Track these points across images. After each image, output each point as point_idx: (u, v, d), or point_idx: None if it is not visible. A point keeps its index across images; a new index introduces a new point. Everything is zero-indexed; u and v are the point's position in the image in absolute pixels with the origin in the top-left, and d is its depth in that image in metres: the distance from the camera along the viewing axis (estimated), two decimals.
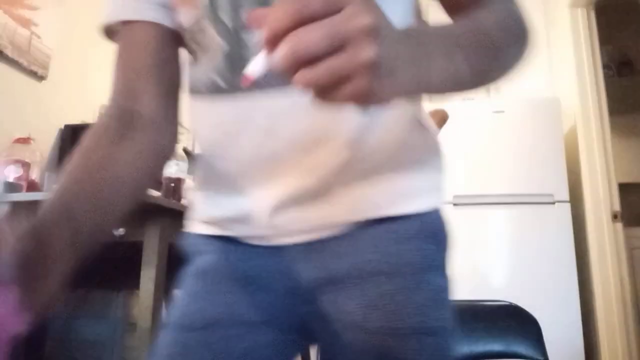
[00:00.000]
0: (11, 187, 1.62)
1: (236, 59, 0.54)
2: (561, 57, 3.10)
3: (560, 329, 2.55)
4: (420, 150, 0.61)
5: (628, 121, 3.81)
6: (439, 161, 0.64)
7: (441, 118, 2.35)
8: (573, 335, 2.53)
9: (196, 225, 0.65)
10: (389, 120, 0.58)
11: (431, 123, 0.66)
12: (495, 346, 0.84)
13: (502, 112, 2.89)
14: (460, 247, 3.03)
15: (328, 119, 0.54)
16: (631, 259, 3.24)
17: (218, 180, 0.61)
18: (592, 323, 2.66)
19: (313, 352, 2.47)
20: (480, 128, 2.89)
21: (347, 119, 0.55)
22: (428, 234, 0.59)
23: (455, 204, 2.83)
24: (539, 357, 0.82)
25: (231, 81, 0.55)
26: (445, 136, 2.96)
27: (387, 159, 0.58)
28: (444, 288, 0.58)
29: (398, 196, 0.58)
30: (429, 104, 2.38)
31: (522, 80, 3.31)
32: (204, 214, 0.64)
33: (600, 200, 2.67)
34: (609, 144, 2.75)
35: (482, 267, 2.71)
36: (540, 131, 2.81)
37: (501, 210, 2.77)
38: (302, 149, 0.55)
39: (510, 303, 0.87)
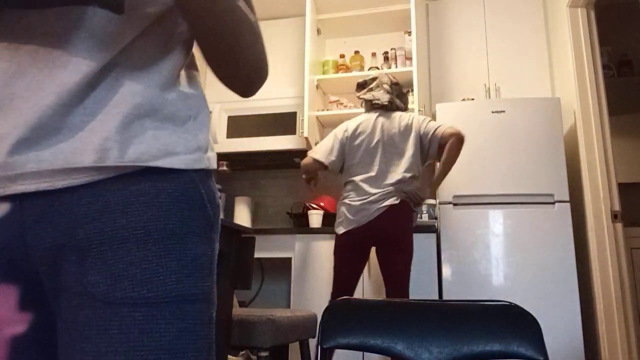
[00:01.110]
0: None
1: None
2: (561, 57, 3.10)
3: (560, 329, 2.55)
4: (180, 111, 0.58)
5: (628, 121, 3.81)
6: (201, 126, 0.61)
7: (459, 139, 2.42)
8: (573, 335, 2.54)
9: None
10: (141, 65, 0.56)
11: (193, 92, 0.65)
12: (495, 346, 0.84)
13: (502, 112, 2.89)
14: (460, 247, 3.03)
15: (68, 40, 0.52)
16: (631, 259, 3.24)
17: None
18: (592, 323, 2.66)
19: (313, 352, 2.47)
20: (480, 128, 2.89)
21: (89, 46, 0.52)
22: (184, 199, 0.56)
23: (455, 204, 2.83)
24: (539, 357, 0.82)
25: None
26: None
27: (140, 107, 0.54)
28: (201, 255, 0.56)
29: (150, 147, 0.54)
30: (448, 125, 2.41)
31: (522, 80, 3.32)
32: None
33: (600, 200, 2.68)
34: (609, 144, 2.76)
35: (482, 267, 2.71)
36: (540, 131, 2.82)
37: (501, 210, 2.77)
38: (44, 65, 0.51)
39: (510, 303, 0.87)
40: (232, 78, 0.65)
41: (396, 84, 2.58)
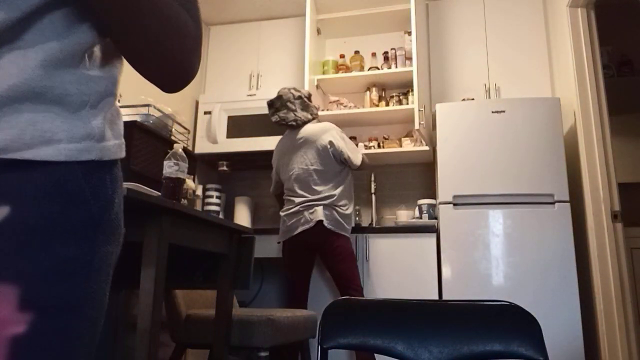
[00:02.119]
0: None
1: None
2: (561, 57, 3.10)
3: (560, 329, 2.55)
4: (73, 95, 0.51)
5: (628, 121, 3.81)
6: (98, 112, 0.54)
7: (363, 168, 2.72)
8: (573, 335, 2.54)
9: None
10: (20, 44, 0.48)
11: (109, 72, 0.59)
12: (495, 346, 0.84)
13: (502, 112, 2.89)
14: (460, 247, 3.03)
15: None
16: (631, 259, 3.24)
17: None
18: (592, 323, 2.66)
19: (313, 353, 2.47)
20: (480, 128, 2.89)
21: None
22: (56, 192, 0.49)
23: (455, 204, 2.83)
24: (539, 357, 0.82)
25: None
26: (446, 135, 2.99)
27: (16, 88, 0.47)
28: (70, 258, 0.49)
29: (23, 134, 0.47)
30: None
31: (522, 80, 3.32)
32: None
33: (600, 200, 2.67)
34: (609, 144, 2.75)
35: (482, 267, 2.71)
36: (540, 131, 2.82)
37: (501, 210, 2.77)
38: None
39: (510, 303, 0.87)
40: (145, 67, 0.58)
41: (299, 97, 2.66)
